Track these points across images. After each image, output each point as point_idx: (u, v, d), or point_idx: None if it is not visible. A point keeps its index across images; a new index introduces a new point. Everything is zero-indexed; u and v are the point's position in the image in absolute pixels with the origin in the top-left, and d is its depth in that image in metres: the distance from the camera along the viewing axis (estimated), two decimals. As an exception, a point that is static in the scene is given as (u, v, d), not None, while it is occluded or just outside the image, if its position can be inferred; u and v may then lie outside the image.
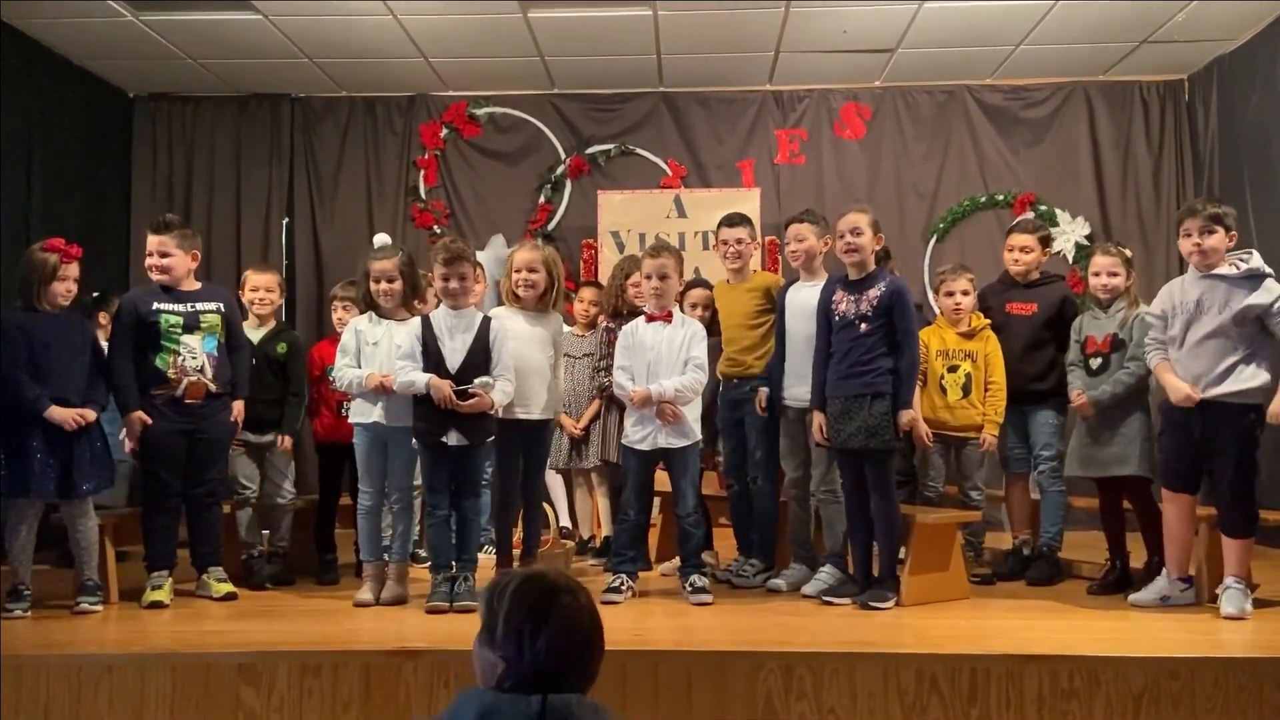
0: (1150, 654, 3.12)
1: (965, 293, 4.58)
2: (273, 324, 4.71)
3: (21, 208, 5.74)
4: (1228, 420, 3.72)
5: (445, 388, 3.86)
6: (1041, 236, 4.74)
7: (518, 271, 4.25)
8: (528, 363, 4.17)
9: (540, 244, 4.40)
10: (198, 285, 4.29)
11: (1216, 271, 3.76)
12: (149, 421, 4.05)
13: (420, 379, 3.91)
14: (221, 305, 4.25)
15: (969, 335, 4.55)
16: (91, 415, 3.93)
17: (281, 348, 4.65)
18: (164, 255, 4.14)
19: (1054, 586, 4.35)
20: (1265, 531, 5.15)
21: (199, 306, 4.18)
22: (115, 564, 4.19)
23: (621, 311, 4.90)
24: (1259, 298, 3.67)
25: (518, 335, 4.19)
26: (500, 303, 6.23)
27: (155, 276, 4.17)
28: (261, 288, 4.68)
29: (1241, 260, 3.74)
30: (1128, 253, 4.41)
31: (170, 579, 4.08)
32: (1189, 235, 3.80)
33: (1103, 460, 4.19)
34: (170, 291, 4.17)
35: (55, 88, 6.13)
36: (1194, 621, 3.65)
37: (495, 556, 4.37)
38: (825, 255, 4.38)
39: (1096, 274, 4.33)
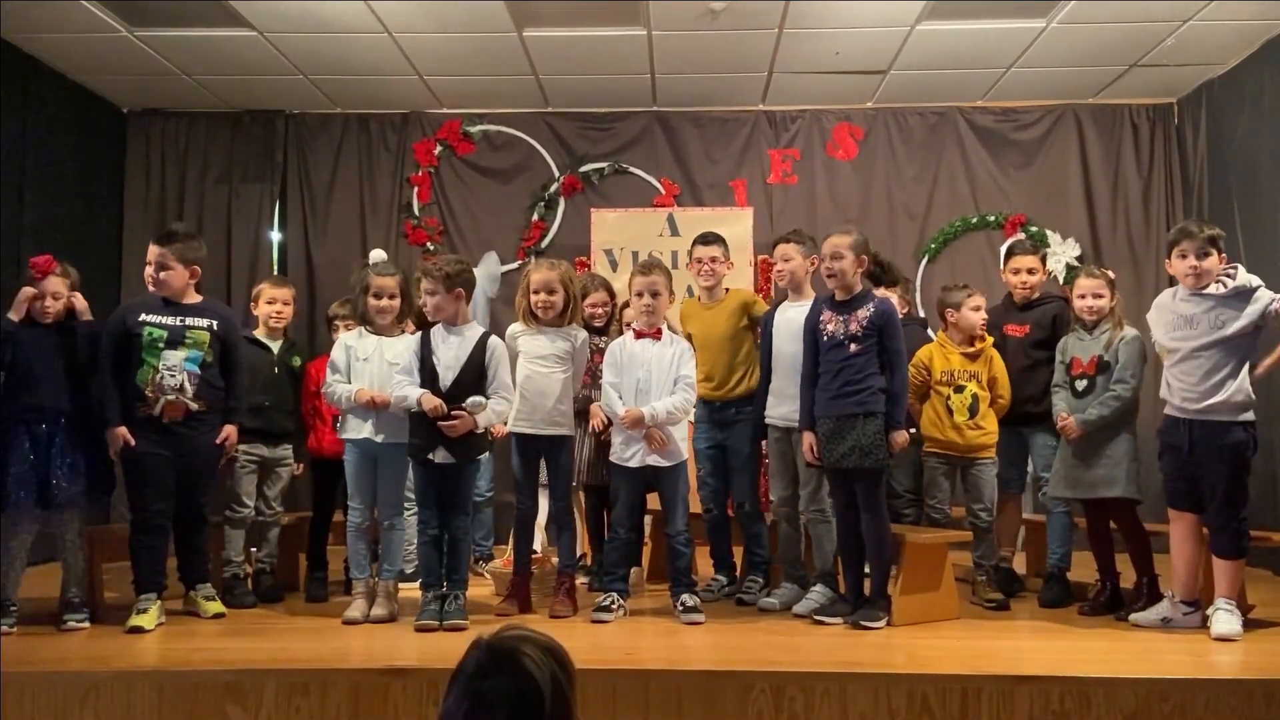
0: (1141, 675, 3.12)
1: (976, 309, 4.54)
2: (284, 338, 4.72)
3: (14, 221, 5.72)
4: (1215, 438, 3.76)
5: (439, 402, 3.85)
6: (1041, 256, 4.80)
7: (535, 293, 4.19)
8: (542, 381, 4.15)
9: (555, 261, 4.33)
10: (198, 299, 4.14)
11: (1207, 290, 3.81)
12: (130, 441, 3.91)
13: (413, 394, 3.89)
14: (215, 323, 4.07)
15: (972, 356, 4.52)
16: None
17: (297, 360, 4.68)
18: (162, 267, 4.01)
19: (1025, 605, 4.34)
20: (1260, 554, 5.19)
21: (188, 321, 4.02)
22: (103, 580, 4.16)
23: (593, 328, 4.71)
24: (1254, 310, 3.73)
25: (534, 355, 4.18)
26: (491, 319, 6.25)
27: (151, 288, 4.05)
28: (279, 300, 4.67)
29: (1228, 278, 3.79)
30: (1111, 274, 4.43)
31: (158, 603, 3.92)
32: (1185, 257, 3.84)
33: (1089, 482, 4.18)
34: (166, 304, 4.04)
35: (49, 102, 6.12)
36: (1185, 643, 3.64)
37: (513, 573, 4.27)
38: (813, 275, 4.37)
39: (1081, 296, 4.34)
